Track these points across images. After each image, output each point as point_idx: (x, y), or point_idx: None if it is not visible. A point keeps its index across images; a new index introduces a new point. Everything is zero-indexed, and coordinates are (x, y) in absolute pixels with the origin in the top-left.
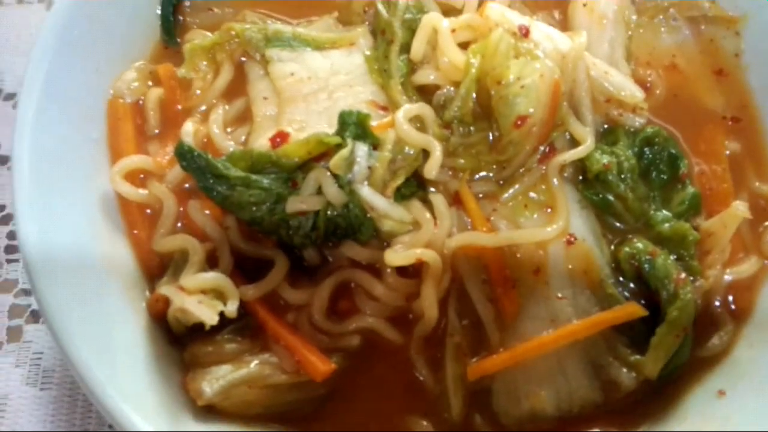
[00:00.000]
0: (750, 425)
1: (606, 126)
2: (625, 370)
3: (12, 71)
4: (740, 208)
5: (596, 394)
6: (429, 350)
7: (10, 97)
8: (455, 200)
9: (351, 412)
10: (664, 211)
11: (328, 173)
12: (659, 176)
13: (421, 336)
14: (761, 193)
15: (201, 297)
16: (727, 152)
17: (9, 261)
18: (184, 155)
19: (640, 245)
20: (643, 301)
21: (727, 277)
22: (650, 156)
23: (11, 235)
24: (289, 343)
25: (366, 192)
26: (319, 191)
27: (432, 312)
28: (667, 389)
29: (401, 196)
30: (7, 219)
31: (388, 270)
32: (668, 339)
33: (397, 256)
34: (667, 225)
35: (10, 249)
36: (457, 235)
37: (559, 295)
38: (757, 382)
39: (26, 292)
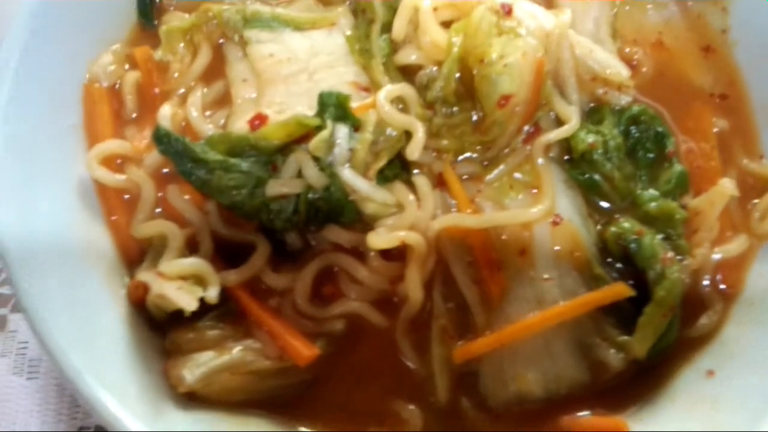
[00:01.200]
0: (738, 406)
1: (591, 105)
2: (612, 350)
3: None
4: (727, 185)
5: (584, 375)
6: (414, 334)
7: None
8: (439, 182)
9: (336, 397)
10: (651, 190)
11: (309, 156)
12: (646, 155)
13: (406, 319)
14: (749, 170)
15: (180, 283)
16: (715, 129)
17: None
18: (161, 139)
19: (626, 225)
20: (630, 282)
21: (716, 256)
22: (636, 134)
23: None
24: (272, 328)
25: (347, 174)
26: (300, 174)
27: (416, 295)
28: (655, 370)
29: (384, 178)
30: None
31: (372, 253)
32: (656, 319)
33: (379, 239)
34: (653, 204)
35: None
36: (441, 217)
37: (546, 276)
38: (746, 361)
39: (9, 282)
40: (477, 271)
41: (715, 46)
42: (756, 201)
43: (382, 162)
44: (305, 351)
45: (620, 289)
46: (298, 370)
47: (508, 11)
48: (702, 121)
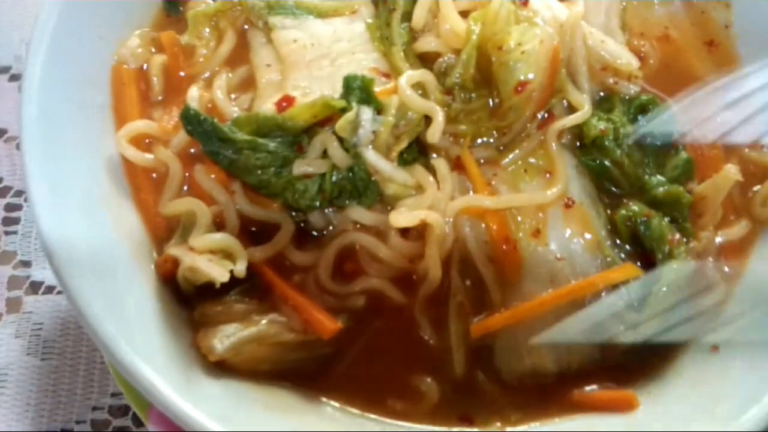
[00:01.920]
0: (743, 377)
1: (602, 94)
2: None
3: (6, 45)
4: (732, 171)
5: (594, 351)
6: (432, 310)
7: (5, 70)
8: (456, 165)
9: (356, 370)
10: (658, 176)
11: (333, 137)
12: (653, 142)
13: (425, 296)
14: (750, 158)
15: (210, 256)
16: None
17: (7, 233)
18: (189, 119)
19: (635, 208)
20: (638, 263)
21: (719, 240)
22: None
23: (9, 207)
24: (296, 302)
25: (371, 155)
26: (325, 155)
27: (436, 272)
28: (661, 346)
29: (403, 161)
30: (4, 192)
31: (392, 232)
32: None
33: (402, 217)
34: (661, 189)
35: (8, 221)
36: (459, 198)
37: (558, 256)
38: (749, 337)
39: (25, 264)
40: (493, 250)
41: (718, 41)
42: (757, 188)
43: (402, 144)
44: (329, 324)
45: (630, 270)
46: (320, 343)
47: (524, 2)
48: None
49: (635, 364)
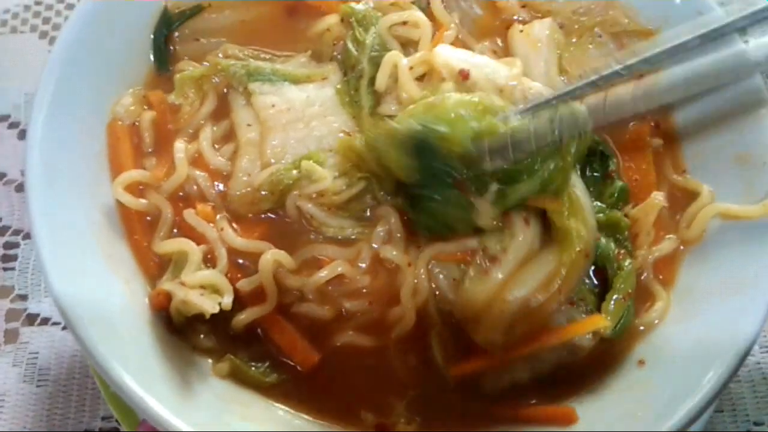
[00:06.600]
0: (662, 390)
1: None
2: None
3: (5, 95)
4: (658, 197)
5: (565, 358)
6: (407, 344)
7: (4, 118)
8: None
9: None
10: (598, 203)
11: None
12: (593, 174)
13: (398, 337)
14: (676, 183)
15: (201, 291)
16: (652, 147)
17: (5, 269)
18: None
19: None
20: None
21: (651, 257)
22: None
23: (7, 246)
24: (285, 332)
25: (305, 206)
26: None
27: (410, 317)
28: (595, 362)
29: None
30: (3, 231)
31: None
32: (617, 304)
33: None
34: (601, 214)
35: (7, 258)
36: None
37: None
38: (671, 352)
39: (22, 297)
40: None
41: (646, 75)
42: (678, 217)
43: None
44: (308, 357)
45: (598, 320)
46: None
47: (465, 76)
48: (639, 141)
49: (573, 378)
